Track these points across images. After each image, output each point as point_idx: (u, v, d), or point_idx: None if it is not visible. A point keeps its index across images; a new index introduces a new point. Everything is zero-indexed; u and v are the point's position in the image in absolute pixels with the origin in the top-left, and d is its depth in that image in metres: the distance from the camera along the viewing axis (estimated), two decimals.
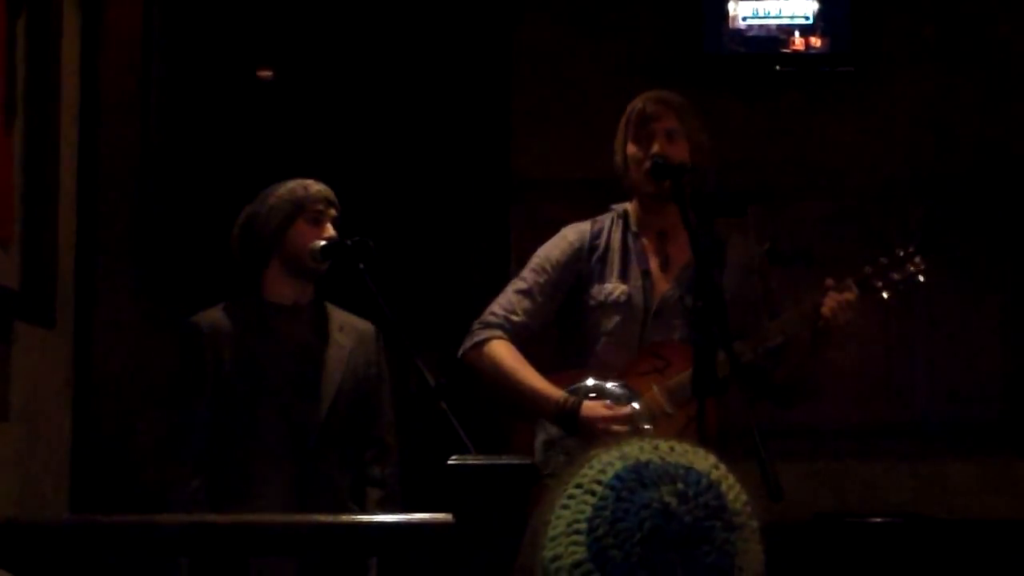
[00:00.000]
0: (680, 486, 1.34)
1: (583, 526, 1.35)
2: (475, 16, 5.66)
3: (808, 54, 5.50)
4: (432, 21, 5.69)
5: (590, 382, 3.60)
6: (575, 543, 1.35)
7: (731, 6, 5.49)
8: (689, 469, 1.37)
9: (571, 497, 1.38)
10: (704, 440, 3.09)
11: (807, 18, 5.50)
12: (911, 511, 5.25)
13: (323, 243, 3.77)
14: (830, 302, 3.48)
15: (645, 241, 3.70)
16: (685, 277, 3.57)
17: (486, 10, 5.65)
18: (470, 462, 2.51)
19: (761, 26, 5.51)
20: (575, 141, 5.51)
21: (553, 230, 3.86)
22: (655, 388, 3.55)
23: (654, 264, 3.68)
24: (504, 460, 2.51)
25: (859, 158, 5.53)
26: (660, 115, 3.64)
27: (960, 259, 5.29)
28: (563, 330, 3.77)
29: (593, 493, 1.37)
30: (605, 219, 3.78)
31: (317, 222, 3.80)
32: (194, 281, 5.10)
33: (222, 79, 5.63)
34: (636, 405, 3.55)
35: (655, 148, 3.60)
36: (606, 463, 1.39)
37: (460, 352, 3.74)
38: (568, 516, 1.37)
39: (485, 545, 2.40)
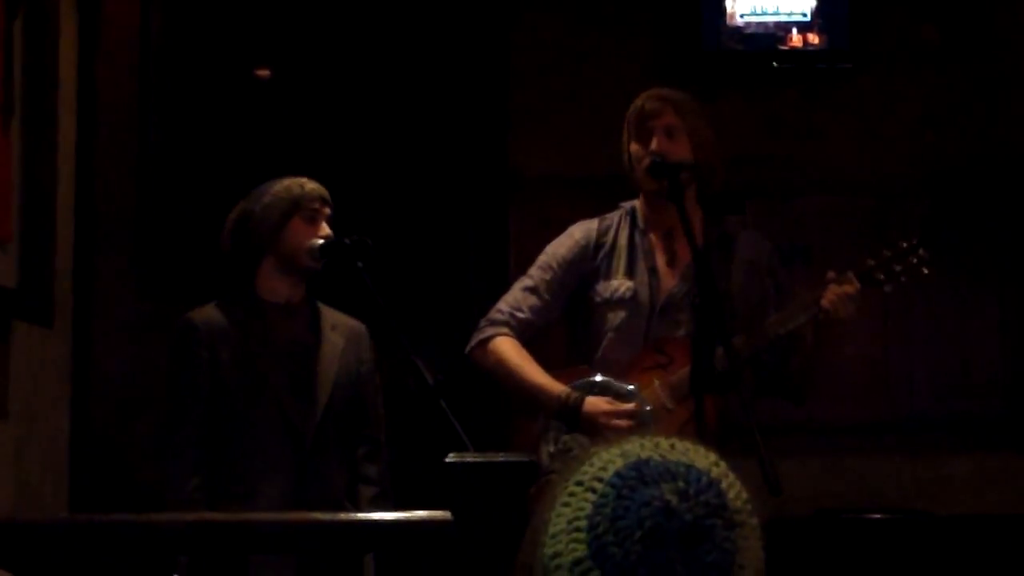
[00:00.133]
0: (681, 484, 1.35)
1: (583, 523, 1.35)
2: (473, 13, 5.65)
3: (806, 51, 5.49)
4: (430, 18, 5.68)
5: (598, 378, 3.63)
6: (575, 540, 1.35)
7: (729, 3, 5.48)
8: (690, 467, 1.37)
9: (572, 495, 1.38)
10: (703, 436, 3.09)
11: (805, 15, 5.49)
12: (910, 507, 5.26)
13: (322, 241, 3.76)
14: (830, 295, 3.49)
15: (652, 238, 3.71)
16: (691, 274, 3.57)
17: (484, 6, 5.65)
18: (468, 460, 2.51)
19: (759, 23, 5.50)
20: (574, 138, 5.51)
21: (551, 227, 3.87)
22: (657, 384, 3.57)
23: (661, 261, 3.69)
24: (502, 458, 2.50)
25: (857, 155, 5.53)
26: (659, 112, 3.65)
27: (959, 255, 5.29)
28: (572, 327, 3.79)
29: (594, 491, 1.37)
30: (613, 216, 3.79)
31: (313, 220, 3.79)
32: (192, 280, 5.10)
33: (220, 78, 5.62)
34: (639, 403, 3.56)
35: (653, 146, 3.61)
36: (607, 461, 1.40)
37: (467, 349, 3.78)
38: (569, 513, 1.37)
39: (483, 543, 2.40)
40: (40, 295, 4.40)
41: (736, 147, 5.20)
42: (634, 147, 3.67)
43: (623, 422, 3.49)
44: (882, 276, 3.58)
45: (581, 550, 1.34)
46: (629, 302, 3.65)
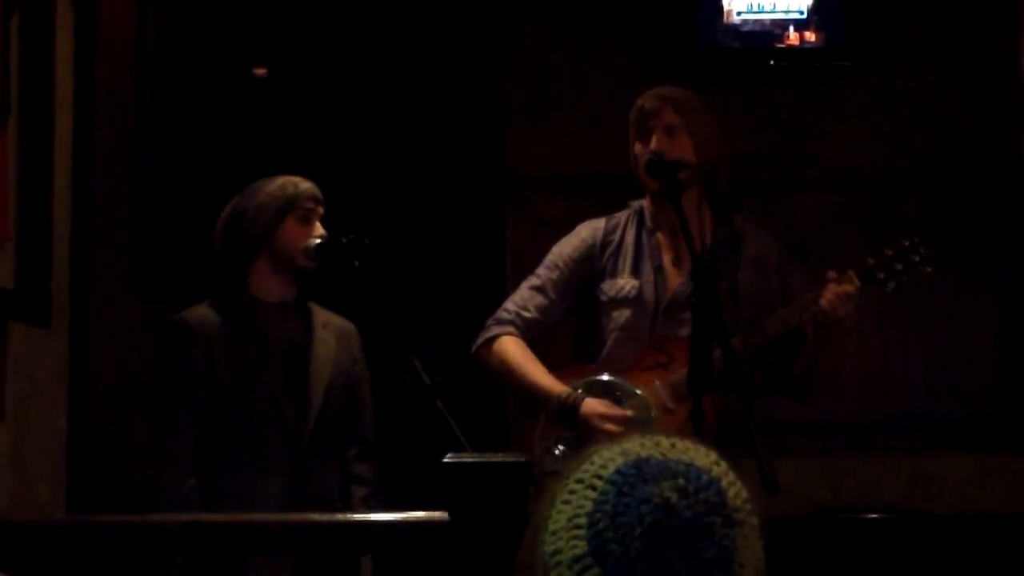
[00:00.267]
0: (681, 482, 1.35)
1: (583, 520, 1.36)
2: (468, 12, 5.65)
3: (803, 49, 5.49)
4: (426, 17, 5.68)
5: (604, 377, 3.64)
6: (575, 537, 1.35)
7: (726, 1, 5.48)
8: (690, 465, 1.38)
9: (572, 492, 1.39)
10: (701, 436, 3.09)
11: (802, 13, 5.49)
12: (907, 506, 5.26)
13: (318, 241, 3.76)
14: (828, 294, 3.49)
15: (660, 237, 3.72)
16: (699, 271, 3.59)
17: (479, 5, 5.64)
18: (466, 460, 2.51)
19: (756, 21, 5.50)
20: (569, 137, 5.51)
21: (548, 226, 3.89)
22: (657, 383, 3.58)
23: (667, 260, 3.69)
24: (500, 458, 2.50)
25: (854, 152, 5.52)
26: (658, 112, 3.66)
27: (956, 254, 5.29)
28: (580, 325, 3.80)
29: (594, 488, 1.37)
30: (622, 215, 3.81)
31: (307, 220, 3.79)
32: (190, 280, 5.09)
33: (217, 77, 5.62)
34: (641, 407, 3.57)
35: (652, 145, 3.62)
36: (607, 458, 1.40)
37: (473, 348, 3.81)
38: (569, 511, 1.38)
39: (481, 543, 2.40)
40: (37, 296, 4.40)
41: (733, 145, 5.20)
42: (637, 147, 3.69)
43: (614, 427, 3.50)
44: (883, 275, 3.58)
45: (581, 547, 1.35)
46: (634, 301, 3.66)
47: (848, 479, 5.39)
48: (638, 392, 3.58)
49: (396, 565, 3.05)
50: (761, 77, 5.53)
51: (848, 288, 3.50)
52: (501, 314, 3.79)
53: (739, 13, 5.49)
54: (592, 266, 3.75)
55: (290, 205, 3.79)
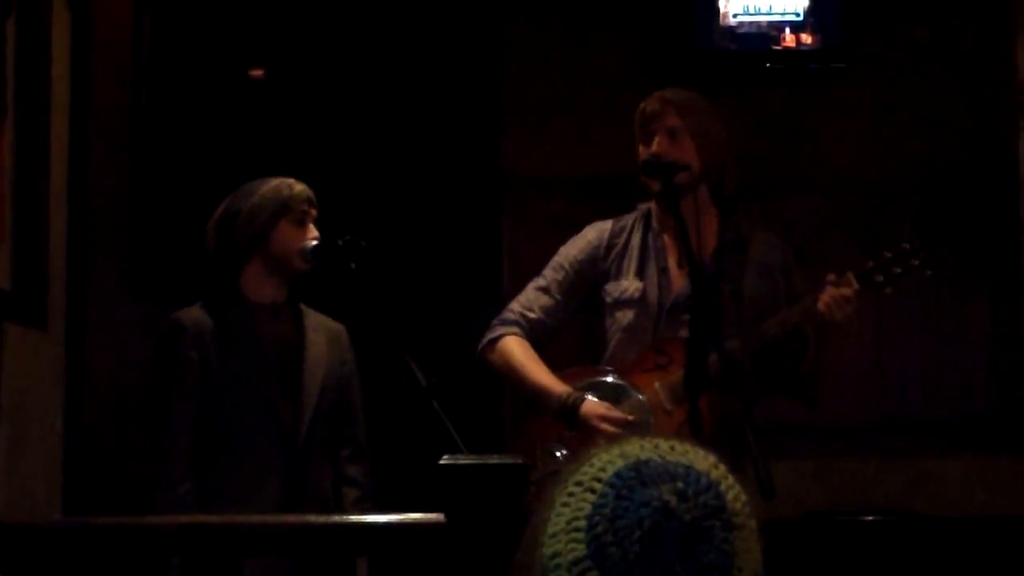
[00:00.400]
0: (680, 485, 1.35)
1: (582, 523, 1.36)
2: (466, 13, 5.65)
3: (799, 51, 5.50)
4: (423, 18, 5.68)
5: (609, 379, 3.65)
6: (574, 540, 1.35)
7: (722, 3, 5.48)
8: (689, 468, 1.38)
9: (571, 495, 1.39)
10: (698, 438, 3.10)
11: (797, 15, 5.49)
12: (903, 508, 5.26)
13: (315, 243, 3.76)
14: (825, 297, 3.48)
15: (665, 239, 3.72)
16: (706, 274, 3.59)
17: (477, 7, 5.65)
18: (462, 462, 2.51)
19: (752, 23, 5.50)
20: (567, 138, 5.51)
21: (545, 228, 3.89)
22: (656, 385, 3.59)
23: (672, 262, 3.69)
24: (496, 460, 2.51)
25: (850, 155, 5.53)
26: (660, 114, 3.66)
27: (952, 256, 5.28)
28: (593, 326, 3.82)
29: (593, 491, 1.37)
30: (630, 217, 3.82)
31: (301, 223, 3.79)
32: (186, 282, 5.09)
33: (213, 79, 5.62)
34: (642, 412, 3.58)
35: (654, 148, 3.62)
36: (606, 461, 1.40)
37: (478, 349, 3.82)
38: (568, 513, 1.37)
39: (477, 545, 2.40)
40: (33, 297, 4.40)
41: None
42: (641, 149, 3.69)
43: (612, 428, 3.51)
44: (881, 278, 3.58)
45: (580, 550, 1.35)
46: (638, 302, 3.67)
47: (845, 481, 5.39)
48: (637, 393, 3.59)
49: (392, 567, 3.05)
50: (757, 79, 5.53)
51: (846, 291, 3.50)
52: (506, 314, 3.80)
53: (735, 15, 5.49)
54: (597, 268, 3.76)
55: (285, 207, 3.79)
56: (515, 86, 5.59)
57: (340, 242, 3.67)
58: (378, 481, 3.98)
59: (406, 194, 5.62)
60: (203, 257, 3.89)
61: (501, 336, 3.77)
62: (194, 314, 3.79)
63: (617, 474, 1.37)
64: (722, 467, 1.41)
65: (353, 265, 3.61)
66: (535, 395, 3.67)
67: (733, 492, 1.38)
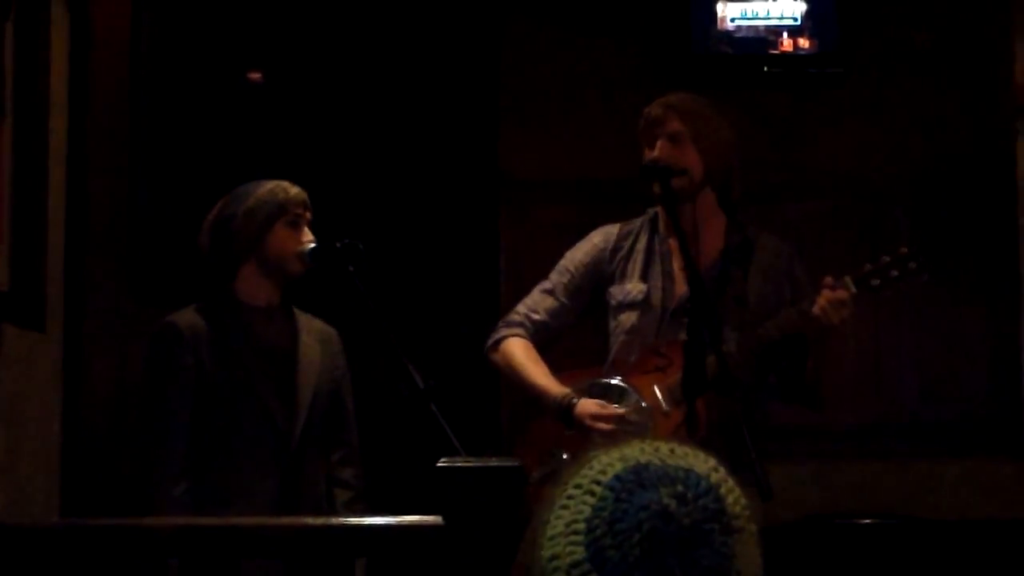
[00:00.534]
0: (679, 488, 1.35)
1: (582, 526, 1.36)
2: (463, 16, 5.65)
3: (796, 55, 5.50)
4: (421, 20, 5.68)
5: (604, 380, 3.68)
6: (573, 543, 1.36)
7: (719, 7, 5.48)
8: (689, 472, 1.38)
9: (570, 497, 1.39)
10: (694, 440, 3.11)
11: (795, 19, 5.49)
12: (900, 512, 5.26)
13: (313, 246, 3.76)
14: (821, 301, 3.49)
15: (671, 243, 3.73)
16: (708, 278, 3.60)
17: (474, 10, 5.65)
18: (460, 464, 2.51)
19: (749, 27, 5.50)
20: (564, 141, 5.51)
21: (542, 230, 3.90)
22: (655, 387, 3.61)
23: (677, 265, 3.70)
24: (494, 462, 2.51)
25: (847, 159, 5.53)
26: (662, 119, 3.68)
27: (949, 260, 5.29)
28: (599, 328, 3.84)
29: (592, 494, 1.37)
30: (637, 221, 3.84)
31: (296, 225, 3.79)
32: (184, 284, 5.09)
33: (211, 81, 5.62)
34: (634, 407, 3.59)
35: (655, 153, 3.64)
36: (606, 464, 1.40)
37: (484, 349, 3.85)
38: (567, 516, 1.38)
39: (475, 548, 2.40)
40: (32, 298, 4.40)
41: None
42: (646, 153, 3.70)
43: (607, 425, 3.53)
44: (878, 281, 3.58)
45: (579, 553, 1.35)
46: (641, 305, 3.69)
47: (842, 484, 5.39)
48: (634, 395, 3.61)
49: (390, 569, 3.05)
50: (754, 83, 5.53)
51: (841, 294, 3.50)
52: (511, 316, 3.84)
53: (733, 19, 5.49)
54: (602, 270, 3.78)
55: (281, 210, 3.79)
56: (513, 88, 5.59)
57: (338, 245, 3.68)
58: (376, 484, 3.99)
59: (404, 196, 5.62)
60: (197, 259, 3.88)
61: (505, 337, 3.81)
62: (188, 317, 3.78)
63: (617, 477, 1.37)
64: (722, 470, 1.41)
65: (351, 268, 3.61)
66: (535, 396, 3.70)
67: (733, 496, 1.38)
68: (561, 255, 3.90)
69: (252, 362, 3.75)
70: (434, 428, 3.26)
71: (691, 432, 3.24)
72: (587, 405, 3.59)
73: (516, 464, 2.50)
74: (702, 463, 1.40)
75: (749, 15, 5.49)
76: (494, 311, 3.90)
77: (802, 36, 5.49)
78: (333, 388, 3.89)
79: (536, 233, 5.26)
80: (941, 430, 5.40)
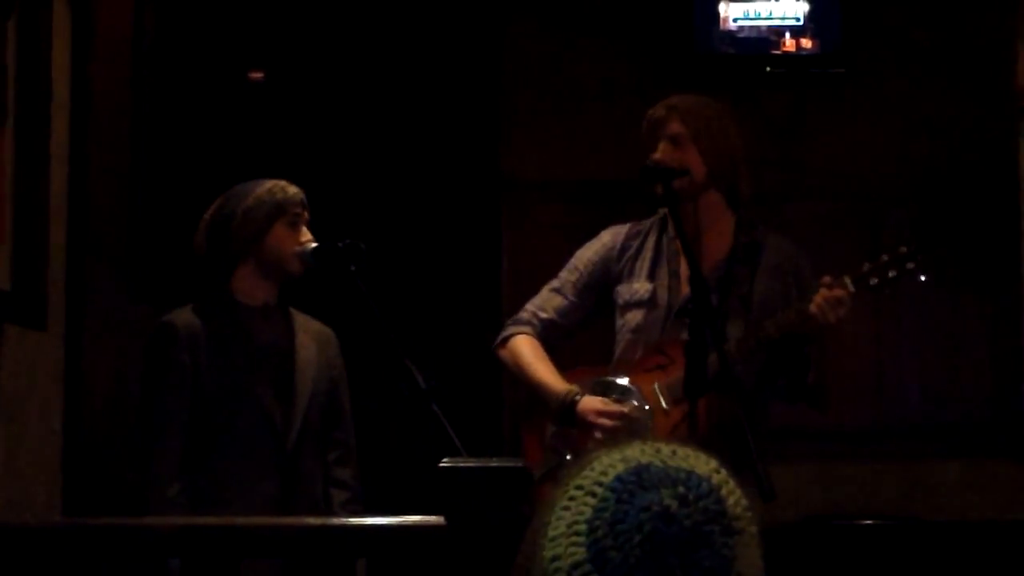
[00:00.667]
0: (681, 489, 1.35)
1: (583, 527, 1.36)
2: (465, 16, 5.66)
3: (799, 55, 5.50)
4: (422, 21, 5.69)
5: (607, 378, 3.69)
6: (575, 544, 1.35)
7: (722, 7, 5.49)
8: (690, 473, 1.38)
9: (572, 498, 1.39)
10: (694, 438, 3.11)
11: (798, 19, 5.50)
12: (901, 513, 5.26)
13: (315, 245, 3.76)
14: (818, 299, 3.50)
15: (679, 243, 3.73)
16: (714, 278, 3.61)
17: (476, 10, 5.65)
18: (462, 464, 2.51)
19: (752, 27, 5.51)
20: (566, 142, 5.52)
21: (544, 231, 3.90)
22: (655, 385, 3.62)
23: (684, 265, 3.70)
24: (496, 463, 2.51)
25: (849, 159, 5.53)
26: (664, 121, 3.69)
27: (950, 261, 5.29)
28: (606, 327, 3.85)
29: (593, 495, 1.37)
30: (648, 221, 3.85)
31: (295, 225, 3.79)
32: (185, 283, 5.09)
33: (213, 82, 5.62)
34: (635, 405, 3.59)
35: (657, 155, 3.64)
36: (607, 465, 1.40)
37: (492, 347, 3.88)
38: (568, 517, 1.37)
39: (477, 548, 2.40)
40: (33, 298, 4.39)
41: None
42: (651, 155, 3.71)
43: (608, 422, 3.54)
44: (877, 280, 3.58)
45: (580, 554, 1.35)
46: (647, 304, 3.71)
47: (843, 485, 5.40)
48: (636, 393, 3.62)
49: (392, 570, 3.05)
50: (757, 83, 5.54)
51: (839, 293, 3.50)
52: (520, 314, 3.87)
53: (735, 19, 5.50)
54: (610, 270, 3.80)
55: (280, 210, 3.78)
56: (515, 90, 5.60)
57: (340, 245, 3.67)
58: (378, 484, 3.99)
59: (405, 197, 5.63)
60: (193, 258, 3.88)
61: (512, 335, 3.83)
62: (185, 317, 3.78)
63: (618, 478, 1.37)
64: (723, 471, 1.41)
65: (353, 268, 3.61)
66: (540, 394, 3.73)
67: (734, 497, 1.38)
68: (562, 256, 3.91)
69: (249, 362, 3.75)
70: (436, 428, 3.26)
71: (691, 431, 3.25)
72: (590, 402, 3.61)
73: (518, 465, 2.50)
74: (704, 464, 1.40)
75: (752, 15, 5.50)
76: (495, 312, 3.90)
77: (804, 36, 5.49)
78: (330, 388, 3.89)
79: (537, 234, 5.26)
80: (942, 431, 5.40)
